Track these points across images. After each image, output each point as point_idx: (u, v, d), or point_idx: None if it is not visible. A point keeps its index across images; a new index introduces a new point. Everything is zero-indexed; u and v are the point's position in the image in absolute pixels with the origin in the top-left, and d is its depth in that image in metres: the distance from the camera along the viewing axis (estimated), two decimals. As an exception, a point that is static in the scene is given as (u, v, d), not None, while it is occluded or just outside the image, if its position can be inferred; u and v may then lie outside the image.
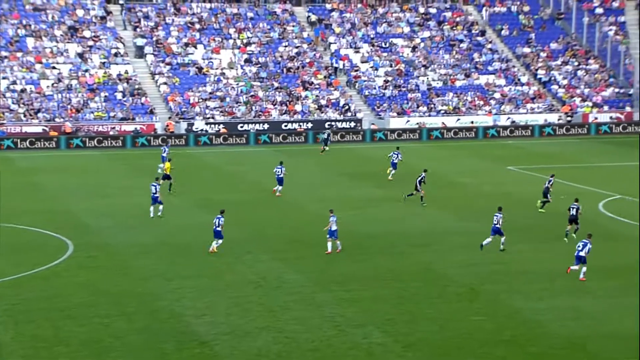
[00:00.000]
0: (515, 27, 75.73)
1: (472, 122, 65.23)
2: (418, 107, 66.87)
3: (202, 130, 62.02)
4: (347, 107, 65.90)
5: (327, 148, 57.05)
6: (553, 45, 74.11)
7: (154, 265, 29.16)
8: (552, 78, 71.06)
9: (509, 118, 66.08)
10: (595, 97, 69.14)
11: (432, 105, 66.95)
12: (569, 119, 66.62)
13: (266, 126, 63.27)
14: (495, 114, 66.64)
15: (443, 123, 64.90)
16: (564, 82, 70.68)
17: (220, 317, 24.01)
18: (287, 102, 65.77)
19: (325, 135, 58.36)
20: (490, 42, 74.04)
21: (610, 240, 32.35)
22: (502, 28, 75.42)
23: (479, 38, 74.20)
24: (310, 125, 63.75)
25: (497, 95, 68.69)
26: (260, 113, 64.60)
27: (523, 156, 54.46)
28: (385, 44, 72.57)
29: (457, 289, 26.31)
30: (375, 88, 68.37)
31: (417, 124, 64.82)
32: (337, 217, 30.02)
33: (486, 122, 65.52)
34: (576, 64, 72.50)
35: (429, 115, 65.84)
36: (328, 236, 30.06)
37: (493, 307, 24.70)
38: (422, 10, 76.42)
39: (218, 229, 30.14)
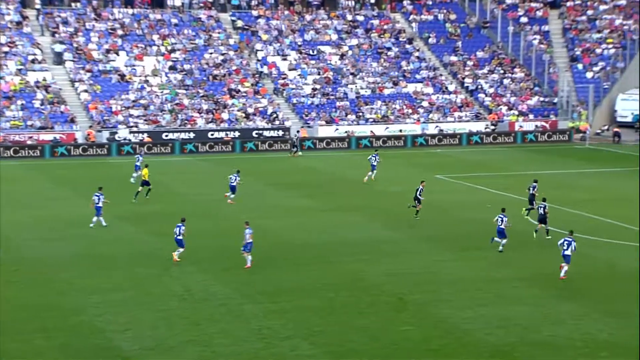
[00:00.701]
0: (442, 35, 77.05)
1: (400, 131, 65.90)
2: (347, 115, 67.30)
3: (125, 139, 61.21)
4: (275, 115, 65.96)
5: (300, 153, 58.23)
6: (479, 54, 75.63)
7: (74, 278, 28.62)
8: (479, 86, 72.48)
9: (437, 126, 67.01)
10: (521, 106, 70.80)
11: (361, 114, 67.44)
12: (492, 127, 68.04)
13: (192, 135, 62.81)
14: (424, 122, 67.47)
15: (372, 131, 65.43)
16: (491, 91, 72.18)
17: (144, 331, 23.71)
18: (214, 111, 65.46)
19: (294, 139, 59.51)
20: (418, 50, 75.13)
21: (537, 248, 33.14)
22: (429, 36, 76.64)
23: (407, 46, 75.22)
24: (237, 134, 63.57)
25: (425, 104, 69.62)
26: (185, 121, 64.11)
27: (451, 164, 55.34)
28: (313, 52, 72.93)
29: (386, 299, 26.51)
30: (303, 96, 68.62)
31: (346, 132, 65.24)
32: (252, 231, 29.81)
33: (414, 130, 66.34)
34: (502, 72, 74.12)
35: (358, 124, 66.33)
36: (242, 250, 29.83)
37: (421, 317, 25.00)
38: (349, 17, 77.09)
39: (179, 237, 30.12)
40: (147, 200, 41.88)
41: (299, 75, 70.48)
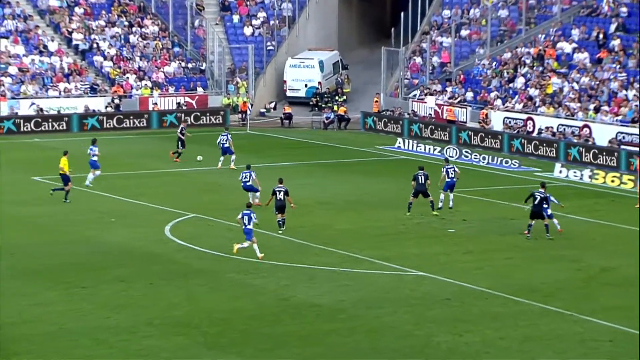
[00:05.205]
0: (32, -33, 76.55)
1: (-24, 112, 65.15)
2: None
3: None
4: None
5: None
6: (93, -2, 76.22)
7: None
8: (95, 46, 72.86)
9: (33, 104, 66.56)
10: (156, 74, 72.23)
11: None
12: (117, 103, 68.80)
13: None
14: (13, 98, 66.85)
15: None
16: (112, 52, 72.85)
17: None
18: None
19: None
20: (0, -10, 74.04)
21: (181, 279, 33.99)
22: (14, -30, 75.76)
23: (-19, -17, 73.83)
24: None
25: (13, 70, 68.88)
26: None
27: (51, 160, 54.93)
28: None
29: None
30: None
31: None
32: None
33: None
34: (127, 25, 75.09)
35: None
36: None
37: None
38: None
39: (249, 227, 35.51)
40: None
41: None
